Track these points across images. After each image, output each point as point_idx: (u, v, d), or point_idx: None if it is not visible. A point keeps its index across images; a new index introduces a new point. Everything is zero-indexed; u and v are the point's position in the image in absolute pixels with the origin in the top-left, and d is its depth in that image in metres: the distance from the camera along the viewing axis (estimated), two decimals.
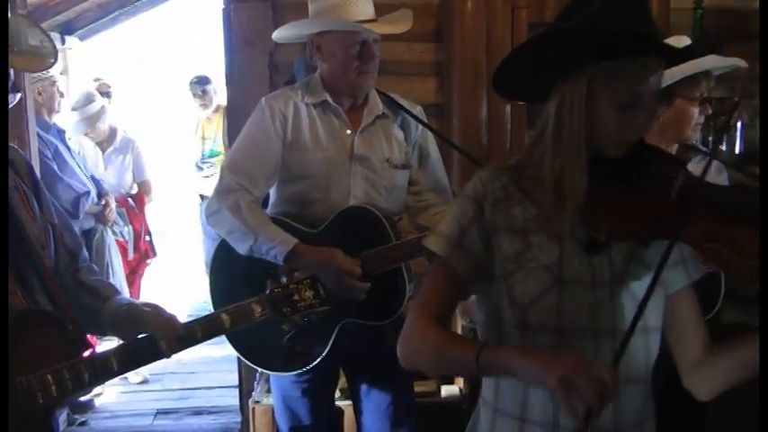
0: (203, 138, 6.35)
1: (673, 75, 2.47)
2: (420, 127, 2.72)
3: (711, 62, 2.50)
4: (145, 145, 5.69)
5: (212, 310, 2.43)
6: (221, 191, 2.53)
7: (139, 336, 1.93)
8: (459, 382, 3.41)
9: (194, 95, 6.32)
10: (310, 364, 2.55)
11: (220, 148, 6.15)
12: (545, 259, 1.49)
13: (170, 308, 2.03)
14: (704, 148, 3.06)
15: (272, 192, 2.69)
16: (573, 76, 1.46)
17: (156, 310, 1.97)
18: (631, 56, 1.42)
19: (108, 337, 2.81)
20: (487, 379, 1.60)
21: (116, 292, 2.07)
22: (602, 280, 1.50)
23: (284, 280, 2.39)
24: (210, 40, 4.14)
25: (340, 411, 3.18)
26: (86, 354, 1.90)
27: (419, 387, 3.18)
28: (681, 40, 2.67)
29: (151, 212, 5.67)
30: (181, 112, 7.42)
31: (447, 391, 3.41)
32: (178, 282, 7.40)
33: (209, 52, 6.33)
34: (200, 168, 6.32)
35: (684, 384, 1.61)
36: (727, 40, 3.54)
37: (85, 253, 2.14)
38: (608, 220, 1.46)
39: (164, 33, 10.66)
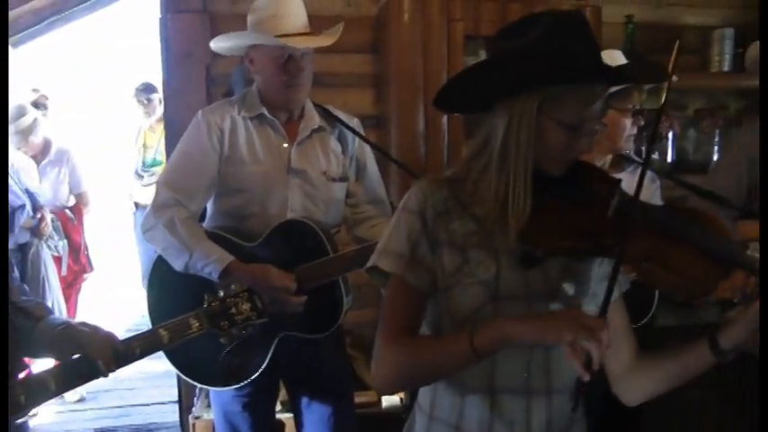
0: (145, 146, 6.26)
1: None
2: (357, 139, 2.73)
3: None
4: (81, 152, 5.58)
5: (151, 325, 2.41)
6: (157, 206, 2.50)
7: (76, 356, 1.90)
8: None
9: (138, 102, 6.23)
10: (250, 377, 2.54)
11: (162, 157, 6.07)
12: (482, 275, 1.50)
13: (109, 322, 2.00)
14: (637, 158, 3.14)
15: (210, 205, 2.67)
16: (523, 95, 1.47)
17: (92, 330, 1.94)
18: (582, 81, 1.45)
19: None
20: (425, 387, 1.61)
21: (49, 311, 2.03)
22: (536, 294, 1.52)
23: (221, 293, 2.37)
24: (149, 46, 4.08)
25: (281, 424, 3.17)
26: (22, 375, 1.86)
27: (360, 398, 3.18)
28: (613, 55, 2.75)
29: (88, 223, 5.55)
30: (119, 117, 7.28)
31: (388, 401, 3.42)
32: (116, 295, 7.26)
33: (147, 58, 6.25)
34: (141, 177, 6.23)
35: (613, 390, 1.65)
36: (658, 54, 3.65)
37: (16, 272, 2.09)
38: (547, 237, 1.48)
39: (100, 39, 10.45)
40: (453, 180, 1.58)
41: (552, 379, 1.52)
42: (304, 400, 2.73)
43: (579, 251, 1.48)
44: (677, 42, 1.59)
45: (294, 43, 2.49)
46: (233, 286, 2.38)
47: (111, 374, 1.95)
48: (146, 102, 6.20)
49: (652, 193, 2.83)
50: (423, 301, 1.54)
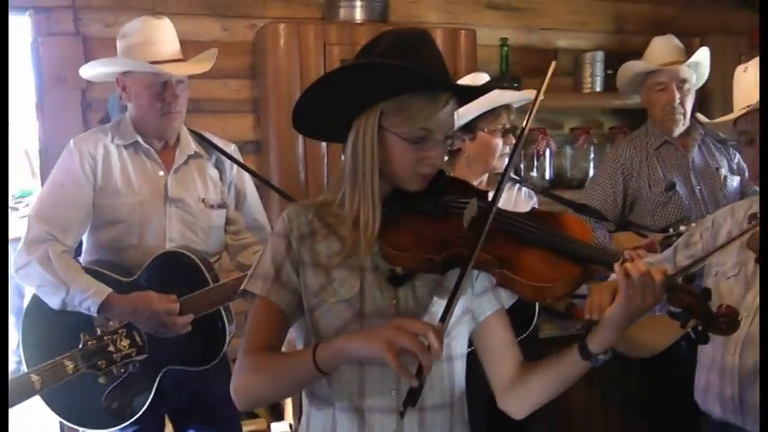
0: None
1: (473, 110, 2.62)
2: (235, 165, 2.70)
3: (503, 96, 2.66)
4: None
5: (26, 368, 2.30)
6: (30, 242, 2.40)
7: None
8: (289, 417, 3.39)
9: None
10: (134, 416, 2.45)
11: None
12: (345, 294, 1.52)
13: None
14: (515, 176, 3.24)
15: (85, 238, 2.59)
16: (365, 113, 1.51)
17: None
18: (418, 92, 1.48)
19: None
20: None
21: None
22: (406, 311, 1.54)
23: (99, 331, 2.29)
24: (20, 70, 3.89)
25: None
26: None
27: (249, 426, 3.15)
28: (479, 77, 2.83)
29: None
30: None
31: (277, 428, 3.38)
32: None
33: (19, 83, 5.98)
34: (15, 209, 5.94)
35: (499, 405, 1.67)
36: (531, 75, 3.80)
37: None
38: (403, 254, 1.50)
39: None
40: (322, 203, 1.60)
41: (424, 397, 1.54)
42: None
43: (435, 265, 1.50)
44: (553, 63, 1.65)
45: (170, 70, 2.45)
46: (111, 322, 2.31)
47: None
48: None
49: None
50: (284, 321, 1.55)
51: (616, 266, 1.43)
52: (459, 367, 1.62)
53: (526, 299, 1.49)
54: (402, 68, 1.44)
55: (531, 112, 1.62)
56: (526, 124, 1.60)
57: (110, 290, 2.35)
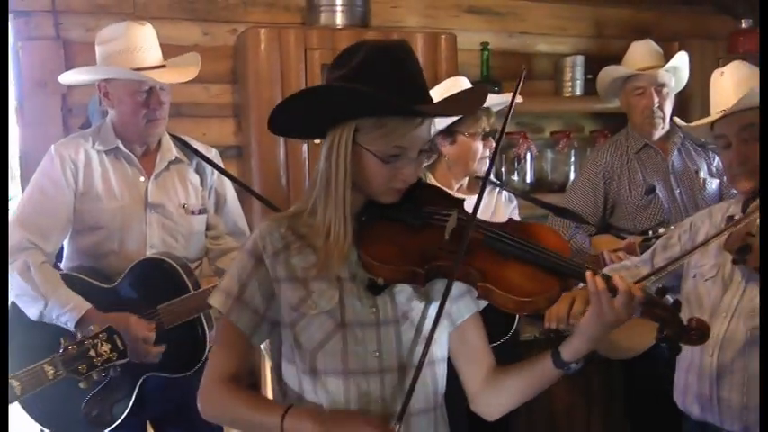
0: None
1: None
2: (215, 171, 2.70)
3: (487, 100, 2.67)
4: None
5: None
6: (10, 250, 2.38)
7: None
8: None
9: None
10: (115, 422, 2.44)
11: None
12: (325, 305, 1.52)
13: None
14: (495, 180, 3.26)
15: (66, 244, 2.58)
16: (340, 126, 1.50)
17: None
18: (394, 114, 1.48)
19: None
20: None
21: None
22: (386, 319, 1.55)
23: (79, 335, 2.28)
24: None
25: None
26: None
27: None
28: (459, 82, 2.84)
29: None
30: None
31: None
32: None
33: None
34: None
35: (471, 407, 1.69)
36: (511, 79, 3.82)
37: None
38: (385, 266, 1.51)
39: None
40: (294, 215, 1.60)
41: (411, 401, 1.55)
42: None
43: (416, 276, 1.51)
44: (524, 71, 1.66)
45: (156, 77, 2.45)
46: (91, 327, 2.30)
47: None
48: None
49: (509, 213, 2.93)
50: (245, 343, 1.57)
51: (597, 280, 1.45)
52: (441, 371, 1.63)
53: (507, 311, 1.50)
54: (379, 98, 1.43)
55: (506, 118, 1.64)
56: (502, 131, 1.63)
57: (88, 305, 2.34)
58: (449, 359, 1.67)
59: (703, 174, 3.31)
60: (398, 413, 1.46)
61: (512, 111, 1.65)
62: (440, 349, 1.62)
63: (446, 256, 1.49)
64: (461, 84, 2.82)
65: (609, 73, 3.39)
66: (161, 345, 2.38)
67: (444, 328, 1.63)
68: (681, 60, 3.36)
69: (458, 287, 1.61)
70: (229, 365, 1.56)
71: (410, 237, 1.54)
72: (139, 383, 2.45)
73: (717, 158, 3.31)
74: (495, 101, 2.76)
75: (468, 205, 1.59)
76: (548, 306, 1.50)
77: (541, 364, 1.54)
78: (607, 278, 1.45)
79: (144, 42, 2.51)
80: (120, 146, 2.54)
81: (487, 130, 2.77)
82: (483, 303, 1.65)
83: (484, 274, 1.49)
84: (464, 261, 1.48)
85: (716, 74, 2.26)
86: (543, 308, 1.50)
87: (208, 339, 2.50)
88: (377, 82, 1.43)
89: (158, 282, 2.45)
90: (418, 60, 1.53)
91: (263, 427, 1.49)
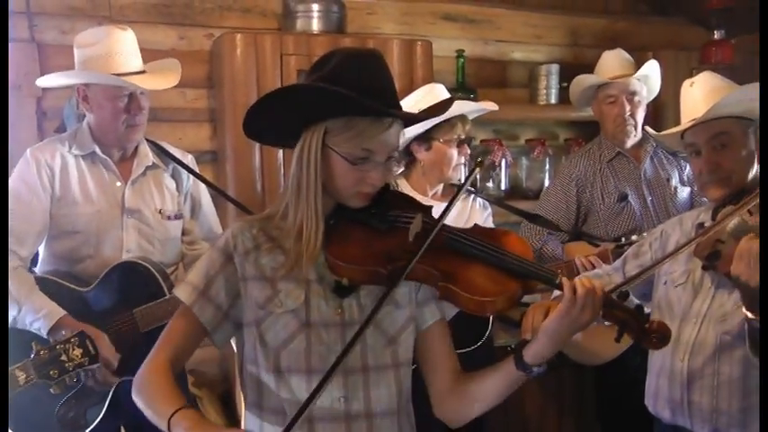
0: None
1: (429, 121, 2.65)
2: (191, 176, 2.70)
3: (459, 107, 2.69)
4: None
5: None
6: None
7: None
8: None
9: None
10: (89, 426, 2.43)
11: None
12: (291, 304, 1.55)
13: None
14: (470, 187, 3.28)
15: (42, 248, 2.56)
16: (311, 129, 1.54)
17: None
18: (362, 114, 1.51)
19: None
20: None
21: None
22: (351, 320, 1.57)
23: (51, 340, 2.26)
24: None
25: None
26: None
27: None
28: (435, 89, 2.86)
29: None
30: None
31: None
32: None
33: None
34: None
35: (436, 413, 1.70)
36: (486, 86, 3.86)
37: None
38: (350, 267, 1.54)
39: None
40: (266, 217, 1.64)
41: (372, 404, 1.57)
42: None
43: (380, 278, 1.53)
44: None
45: (138, 83, 2.45)
46: (63, 331, 2.28)
47: None
48: None
49: (484, 220, 2.95)
50: (200, 336, 1.60)
51: (564, 280, 1.48)
52: (405, 373, 1.65)
53: (468, 312, 1.53)
54: (345, 97, 1.47)
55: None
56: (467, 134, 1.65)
57: (62, 312, 2.33)
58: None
59: (675, 182, 3.35)
60: (287, 426, 1.44)
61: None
62: (404, 352, 1.64)
63: (409, 258, 1.51)
64: (437, 90, 2.84)
65: (580, 81, 3.43)
66: (136, 349, 2.37)
67: (410, 333, 1.65)
68: (651, 68, 3.39)
69: (424, 293, 1.65)
70: (175, 350, 1.60)
71: (375, 239, 1.58)
72: (113, 388, 2.43)
73: (688, 167, 3.36)
74: (470, 108, 2.78)
75: (437, 212, 1.61)
76: (509, 307, 1.52)
77: (505, 368, 1.56)
78: (568, 280, 1.48)
79: (125, 47, 2.50)
80: (98, 150, 2.53)
81: (463, 137, 2.79)
82: (450, 312, 1.68)
83: (445, 275, 1.52)
84: (426, 262, 1.51)
85: (686, 84, 2.30)
86: (504, 308, 1.52)
87: None
88: (346, 85, 1.47)
89: (134, 285, 2.45)
90: (389, 69, 1.57)
91: (159, 417, 1.52)
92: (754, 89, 2.07)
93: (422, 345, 1.68)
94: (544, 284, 1.50)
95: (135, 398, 1.59)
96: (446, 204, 1.56)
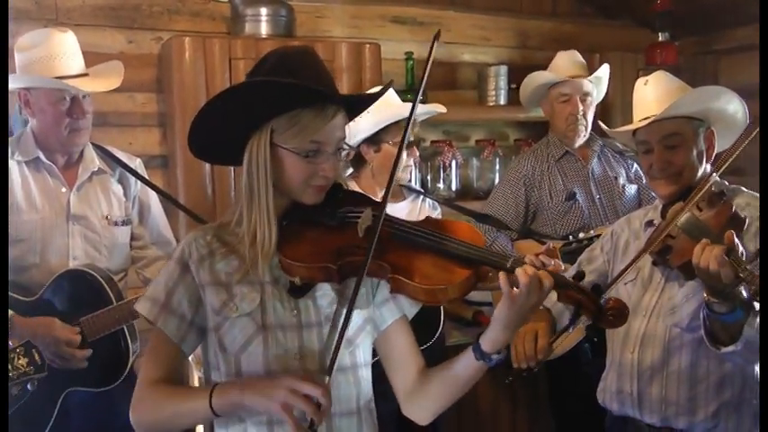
0: None
1: (378, 123, 2.67)
2: (139, 180, 2.67)
3: (407, 109, 2.67)
4: None
5: None
6: None
7: None
8: None
9: None
10: None
11: None
12: (247, 307, 1.55)
13: None
14: (417, 188, 3.30)
15: None
16: (256, 133, 1.54)
17: None
18: (306, 107, 1.51)
19: None
20: None
21: None
22: (308, 322, 1.57)
23: None
24: None
25: None
26: None
27: None
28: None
29: None
30: None
31: None
32: None
33: None
34: None
35: (403, 411, 1.70)
36: (436, 88, 3.87)
37: None
38: (299, 265, 1.54)
39: None
40: (220, 225, 1.64)
41: (332, 404, 1.55)
42: None
43: (331, 275, 1.54)
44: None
45: (80, 86, 2.41)
46: (9, 341, 2.24)
47: None
48: None
49: None
50: (172, 350, 1.58)
51: (500, 272, 1.47)
52: (365, 374, 1.65)
53: (420, 302, 1.54)
54: (285, 84, 1.48)
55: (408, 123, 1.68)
56: (402, 139, 1.68)
57: (9, 312, 2.28)
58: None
59: (622, 180, 3.40)
60: (327, 368, 1.47)
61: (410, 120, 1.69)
62: (363, 354, 1.64)
63: (359, 252, 1.52)
64: (389, 95, 2.84)
65: (535, 79, 3.46)
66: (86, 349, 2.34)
67: (368, 334, 1.65)
68: (603, 71, 3.47)
69: (381, 293, 1.65)
70: (157, 371, 1.56)
71: (326, 236, 1.58)
72: (61, 399, 2.39)
73: (635, 165, 3.42)
74: (420, 110, 2.79)
75: (391, 213, 1.61)
76: (461, 294, 1.51)
77: (464, 359, 1.56)
78: (516, 264, 1.46)
79: (66, 50, 2.46)
80: (41, 156, 2.49)
81: (412, 139, 2.80)
82: (411, 310, 1.68)
83: (394, 267, 1.52)
84: (375, 256, 1.50)
85: (639, 82, 2.34)
86: (457, 296, 1.51)
87: (131, 352, 2.46)
88: (287, 78, 1.48)
89: (81, 294, 2.42)
90: (324, 63, 1.60)
91: (195, 413, 1.50)
92: (707, 91, 2.18)
93: (384, 345, 1.68)
94: (495, 269, 1.48)
95: (137, 422, 1.54)
96: (384, 191, 1.57)
